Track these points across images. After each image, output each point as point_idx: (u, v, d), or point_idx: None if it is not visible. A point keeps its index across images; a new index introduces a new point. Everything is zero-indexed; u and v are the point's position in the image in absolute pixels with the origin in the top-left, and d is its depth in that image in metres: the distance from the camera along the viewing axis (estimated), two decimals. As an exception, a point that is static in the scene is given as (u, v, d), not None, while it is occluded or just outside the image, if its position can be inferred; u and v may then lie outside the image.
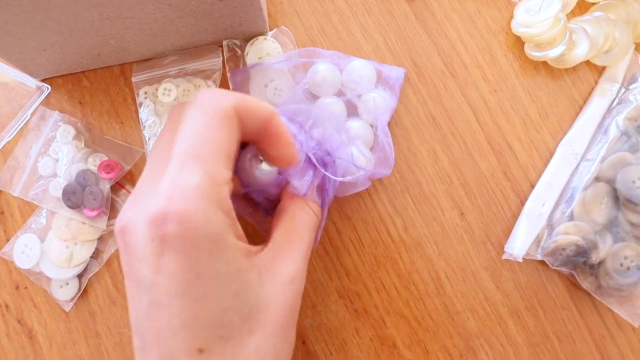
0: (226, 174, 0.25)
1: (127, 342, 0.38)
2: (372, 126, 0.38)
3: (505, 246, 0.38)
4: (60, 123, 0.39)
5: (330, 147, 0.32)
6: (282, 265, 0.27)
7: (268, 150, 0.28)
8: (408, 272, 0.38)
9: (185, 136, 0.25)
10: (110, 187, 0.38)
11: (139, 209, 0.24)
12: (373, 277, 0.38)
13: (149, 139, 0.38)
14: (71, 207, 0.38)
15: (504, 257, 0.37)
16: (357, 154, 0.35)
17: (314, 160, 0.30)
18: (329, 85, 0.38)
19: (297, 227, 0.29)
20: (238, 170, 0.29)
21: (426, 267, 0.38)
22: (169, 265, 0.23)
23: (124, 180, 0.39)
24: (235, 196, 0.28)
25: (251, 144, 0.29)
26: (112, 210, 0.39)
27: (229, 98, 0.26)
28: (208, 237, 0.23)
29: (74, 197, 0.38)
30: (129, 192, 0.39)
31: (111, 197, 0.38)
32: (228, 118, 0.25)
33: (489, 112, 0.39)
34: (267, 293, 0.26)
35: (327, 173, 0.31)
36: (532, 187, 0.39)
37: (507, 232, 0.38)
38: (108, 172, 0.38)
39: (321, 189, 0.32)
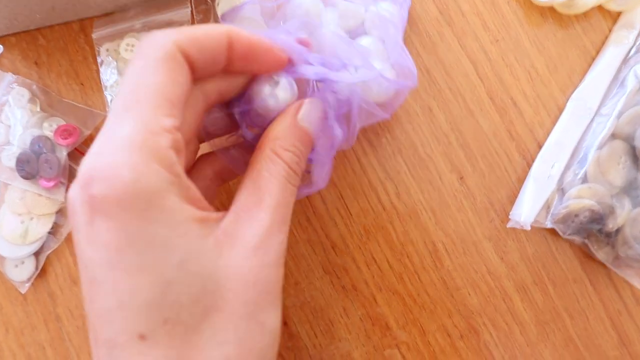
0: (166, 121, 0.21)
1: None
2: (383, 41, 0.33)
3: (510, 213, 0.34)
4: (13, 85, 0.36)
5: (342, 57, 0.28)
6: (247, 230, 0.23)
7: (252, 69, 0.26)
8: (401, 243, 0.34)
9: (121, 88, 0.22)
10: (68, 154, 0.35)
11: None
12: (362, 249, 0.34)
13: (111, 100, 0.35)
14: (25, 177, 0.34)
15: (509, 225, 0.33)
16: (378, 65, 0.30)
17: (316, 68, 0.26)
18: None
19: (264, 182, 0.24)
20: (252, 112, 0.26)
21: (422, 237, 0.34)
22: (99, 232, 0.20)
23: (85, 147, 0.35)
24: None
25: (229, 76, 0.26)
26: (71, 180, 0.35)
27: (169, 36, 0.22)
28: (140, 196, 0.20)
29: (28, 166, 0.34)
30: (91, 161, 0.35)
31: (70, 166, 0.35)
32: (168, 59, 0.22)
33: (490, 64, 0.36)
34: (226, 263, 0.22)
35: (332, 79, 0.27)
36: (540, 147, 0.35)
37: (512, 197, 0.34)
38: (65, 138, 0.34)
39: (324, 126, 0.27)
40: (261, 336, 0.22)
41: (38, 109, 0.35)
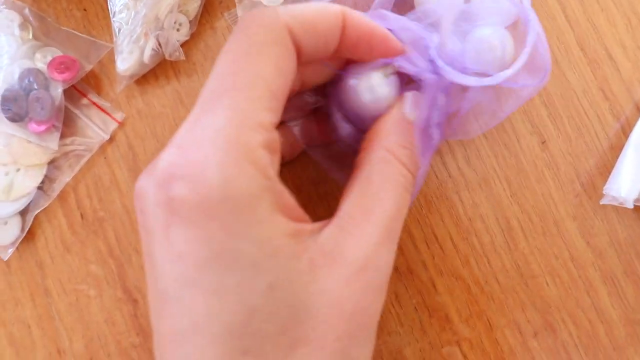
0: (266, 116, 0.19)
1: (85, 301, 0.29)
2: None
3: (605, 187, 0.28)
4: (1, 8, 0.30)
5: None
6: (351, 247, 0.20)
7: (362, 57, 0.23)
8: (469, 218, 0.29)
9: (215, 71, 0.20)
10: (65, 92, 0.29)
11: (153, 167, 0.19)
12: (421, 224, 0.29)
13: (119, 30, 0.29)
14: (12, 119, 0.29)
15: (603, 201, 0.28)
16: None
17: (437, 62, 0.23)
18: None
19: (376, 188, 0.21)
20: (347, 104, 0.24)
21: (493, 212, 0.29)
22: (176, 242, 0.18)
23: (85, 86, 0.30)
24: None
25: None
26: (67, 125, 0.30)
27: (278, 15, 0.20)
28: (229, 203, 0.18)
29: (15, 105, 0.29)
30: (92, 103, 0.29)
31: (66, 107, 0.29)
32: (277, 44, 0.20)
33: (581, 6, 0.30)
34: (323, 288, 0.19)
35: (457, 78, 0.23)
36: (638, 109, 0.30)
37: (603, 168, 0.29)
38: (62, 72, 0.29)
39: (426, 126, 0.24)
40: None
41: (30, 37, 0.30)
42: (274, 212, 0.19)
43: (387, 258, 0.21)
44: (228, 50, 0.20)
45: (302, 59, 0.21)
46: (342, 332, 0.19)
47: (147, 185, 0.19)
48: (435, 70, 0.23)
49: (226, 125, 0.18)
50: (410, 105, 0.23)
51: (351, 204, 0.21)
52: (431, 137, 0.24)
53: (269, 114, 0.19)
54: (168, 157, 0.18)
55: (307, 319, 0.19)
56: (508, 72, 0.23)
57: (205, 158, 0.18)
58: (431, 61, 0.23)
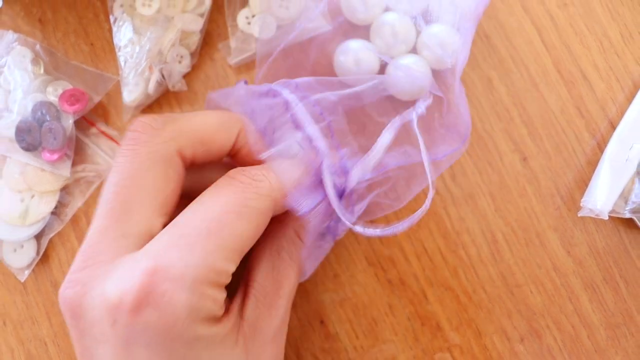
0: (161, 220, 0.22)
1: None
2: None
3: (582, 200, 0.30)
4: (14, 45, 0.31)
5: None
6: (266, 320, 0.23)
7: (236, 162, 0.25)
8: (456, 232, 0.30)
9: (114, 178, 0.22)
10: (75, 122, 0.30)
11: (97, 276, 0.20)
12: (412, 238, 0.30)
13: (124, 62, 0.30)
14: (26, 149, 0.30)
15: (581, 213, 0.29)
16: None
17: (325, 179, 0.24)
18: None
19: (284, 266, 0.24)
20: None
21: (479, 226, 0.30)
22: (140, 357, 0.20)
23: (94, 116, 0.31)
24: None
25: None
26: (78, 153, 0.31)
27: (172, 139, 0.22)
28: (188, 333, 0.20)
29: (29, 136, 0.30)
30: (101, 132, 0.31)
31: (76, 136, 0.30)
32: (165, 163, 0.22)
33: (557, 31, 0.31)
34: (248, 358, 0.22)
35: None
36: (612, 125, 0.31)
37: (581, 182, 0.30)
38: (72, 104, 0.30)
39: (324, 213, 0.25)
40: None
41: (42, 72, 0.31)
42: (216, 323, 0.21)
43: (286, 324, 0.25)
44: (123, 164, 0.22)
45: (196, 163, 0.23)
46: None
47: (95, 298, 0.20)
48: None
49: (198, 266, 0.20)
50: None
51: (264, 276, 0.24)
52: (334, 234, 0.26)
53: (163, 218, 0.22)
54: (138, 282, 0.19)
55: None
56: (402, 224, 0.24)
57: (173, 291, 0.19)
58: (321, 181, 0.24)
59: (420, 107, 0.27)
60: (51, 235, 0.30)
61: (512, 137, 0.31)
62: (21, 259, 0.30)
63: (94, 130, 0.31)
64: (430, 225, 0.30)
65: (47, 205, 0.30)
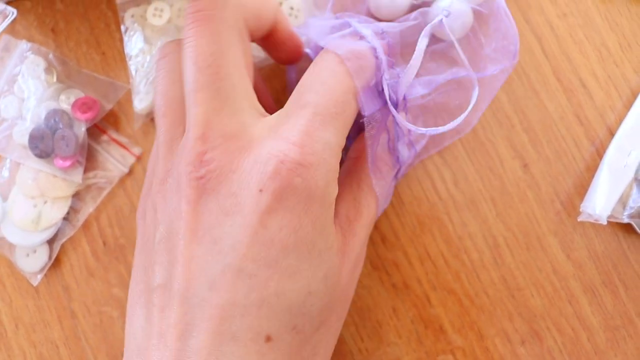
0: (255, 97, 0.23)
1: (109, 323, 0.31)
2: None
3: (581, 205, 0.30)
4: (28, 54, 0.32)
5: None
6: (351, 246, 0.24)
7: (272, 52, 0.27)
8: (459, 237, 0.31)
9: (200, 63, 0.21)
10: (87, 130, 0.31)
11: (238, 148, 0.21)
12: (415, 243, 0.31)
13: (136, 71, 0.31)
14: (39, 156, 0.31)
15: (580, 218, 0.30)
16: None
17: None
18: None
19: (364, 196, 0.25)
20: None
21: (481, 231, 0.31)
22: (274, 226, 0.20)
23: (106, 124, 0.32)
24: None
25: None
26: (89, 160, 0.31)
27: (236, 8, 0.22)
28: (325, 203, 0.21)
29: (42, 143, 0.30)
30: (112, 139, 0.32)
31: (88, 144, 0.31)
32: (239, 35, 0.22)
33: (557, 40, 0.32)
34: (341, 282, 0.23)
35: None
36: (611, 132, 0.31)
37: (580, 188, 0.31)
38: (84, 112, 0.31)
39: (392, 143, 0.26)
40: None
41: (54, 80, 0.32)
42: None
43: (364, 254, 0.26)
44: (202, 40, 0.21)
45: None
46: (340, 313, 0.24)
47: (264, 167, 0.20)
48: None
49: (335, 142, 0.21)
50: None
51: (346, 206, 0.24)
52: (397, 156, 0.27)
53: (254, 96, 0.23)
54: (289, 152, 0.20)
55: (332, 307, 0.22)
56: (462, 117, 0.25)
57: (319, 164, 0.20)
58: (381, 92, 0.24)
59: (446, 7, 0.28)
60: (63, 240, 0.31)
61: (513, 144, 0.31)
62: (34, 264, 0.31)
63: (105, 137, 0.32)
64: (433, 231, 0.31)
65: (59, 211, 0.31)
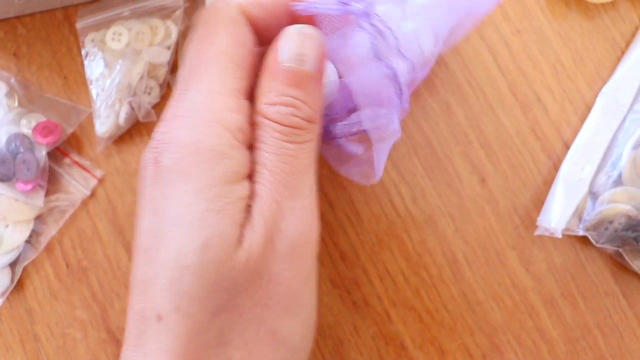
0: (232, 83, 0.22)
1: (72, 345, 0.31)
2: None
3: (538, 219, 0.31)
4: None
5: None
6: (258, 213, 0.22)
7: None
8: (418, 253, 0.31)
9: (185, 57, 0.23)
10: (48, 154, 0.31)
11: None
12: (374, 260, 0.31)
13: (96, 95, 0.32)
14: (0, 179, 0.31)
15: (537, 232, 0.30)
16: None
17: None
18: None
19: (259, 155, 0.22)
20: None
21: (440, 246, 0.31)
22: (156, 197, 0.21)
23: (67, 147, 0.32)
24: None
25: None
26: (51, 183, 0.32)
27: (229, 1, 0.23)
28: (198, 157, 0.20)
29: (3, 167, 0.31)
30: (74, 162, 0.32)
31: (50, 167, 0.31)
32: (231, 21, 0.22)
33: (511, 56, 0.33)
34: (251, 258, 0.21)
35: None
36: (567, 146, 0.32)
37: (538, 202, 0.32)
38: (45, 136, 0.31)
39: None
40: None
41: (16, 105, 0.32)
42: (232, 171, 0.20)
43: (313, 220, 0.22)
44: (193, 38, 0.23)
45: (261, 33, 0.23)
46: (260, 300, 0.21)
47: (146, 156, 0.21)
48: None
49: (198, 97, 0.21)
50: (280, 49, 0.22)
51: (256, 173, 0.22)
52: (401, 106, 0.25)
53: (235, 81, 0.21)
54: (158, 130, 0.21)
55: (234, 286, 0.20)
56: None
57: (182, 124, 0.21)
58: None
59: None
60: (25, 263, 0.31)
61: (470, 160, 0.32)
62: (-4, 287, 0.31)
63: (67, 160, 0.32)
64: (392, 247, 0.31)
65: (21, 234, 0.31)
